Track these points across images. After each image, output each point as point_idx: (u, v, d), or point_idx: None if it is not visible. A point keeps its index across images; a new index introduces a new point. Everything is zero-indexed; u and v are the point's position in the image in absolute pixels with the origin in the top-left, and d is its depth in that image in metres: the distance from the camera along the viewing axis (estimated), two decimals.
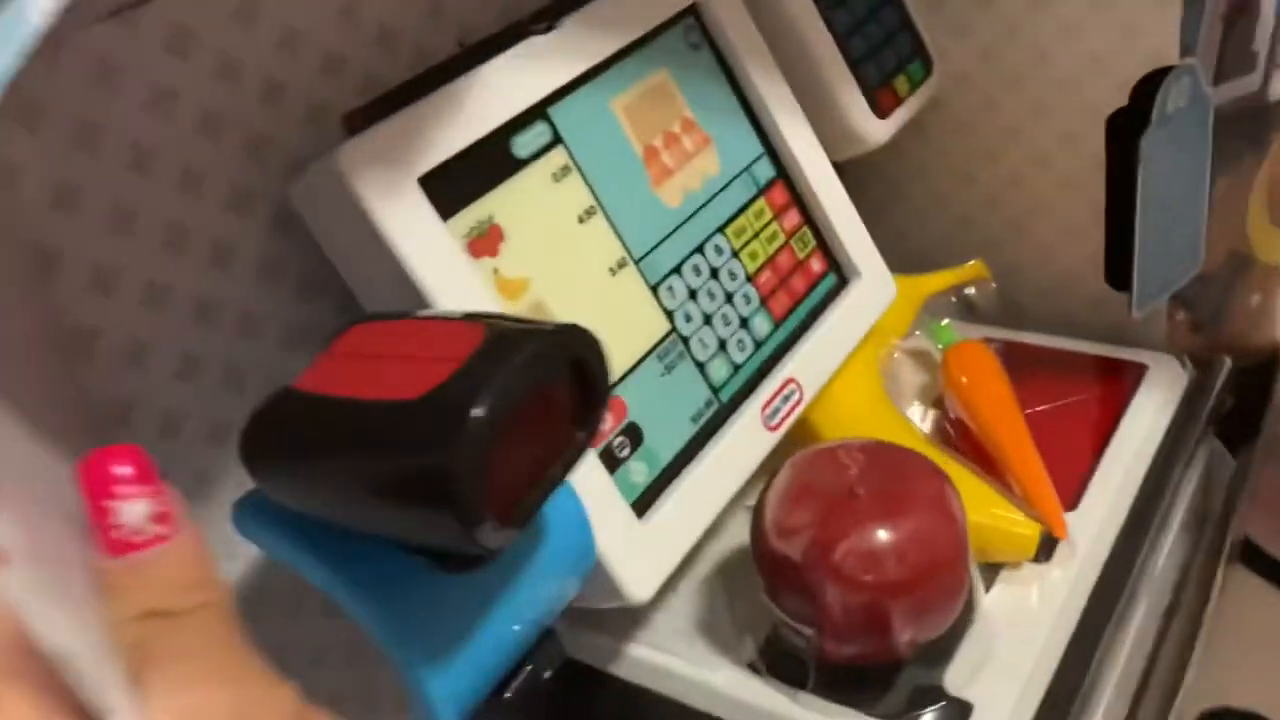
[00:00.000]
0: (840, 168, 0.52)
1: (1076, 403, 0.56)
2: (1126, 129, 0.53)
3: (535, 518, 0.34)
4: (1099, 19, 0.53)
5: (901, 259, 0.63)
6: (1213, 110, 0.54)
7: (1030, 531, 0.46)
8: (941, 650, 0.44)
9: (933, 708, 0.42)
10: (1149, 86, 0.52)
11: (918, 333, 0.60)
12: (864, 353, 0.54)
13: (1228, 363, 0.57)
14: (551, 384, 0.29)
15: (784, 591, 0.42)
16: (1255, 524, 0.72)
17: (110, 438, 0.28)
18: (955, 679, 0.43)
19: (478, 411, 0.26)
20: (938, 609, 0.42)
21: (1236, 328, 0.64)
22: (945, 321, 0.60)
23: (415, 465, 0.27)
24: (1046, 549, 0.47)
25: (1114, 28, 0.53)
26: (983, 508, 0.46)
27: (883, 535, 0.41)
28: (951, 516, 0.42)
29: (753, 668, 0.44)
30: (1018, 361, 0.59)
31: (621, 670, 0.46)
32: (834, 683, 0.43)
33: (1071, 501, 0.49)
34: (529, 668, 0.39)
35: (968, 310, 0.61)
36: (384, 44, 0.43)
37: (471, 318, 0.30)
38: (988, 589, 0.46)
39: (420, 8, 0.44)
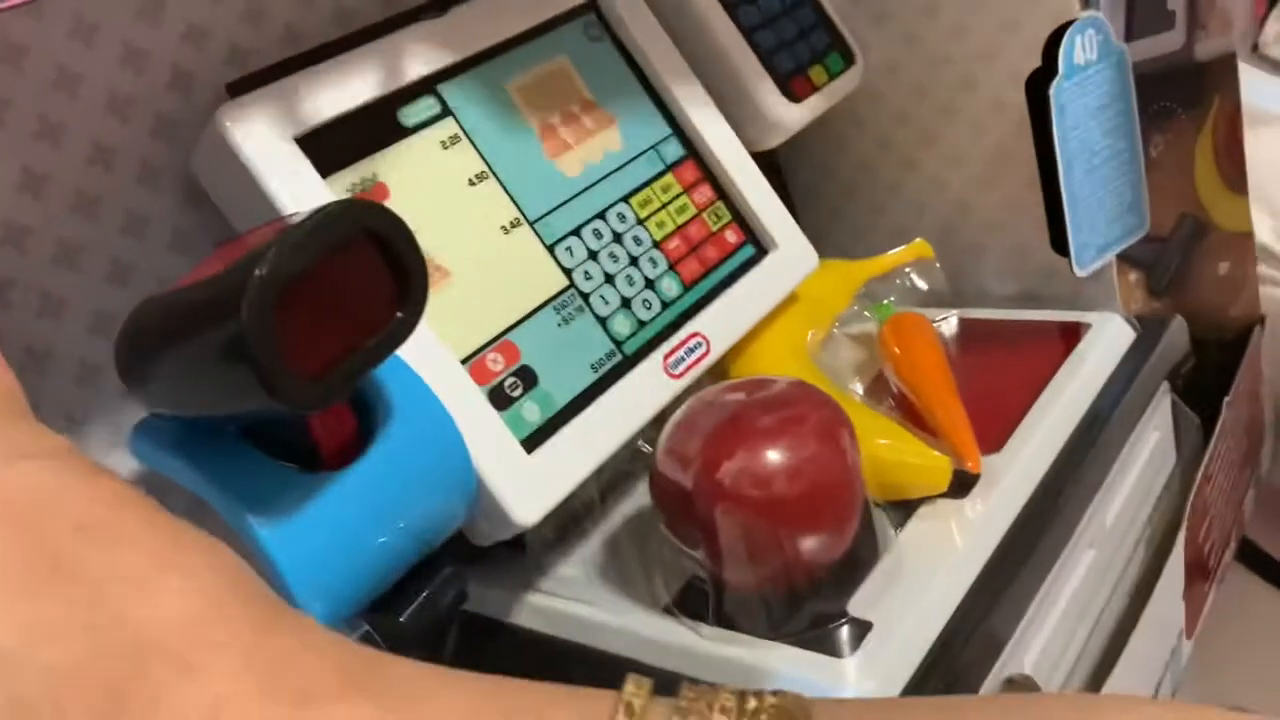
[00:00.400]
0: (791, 170, 0.55)
1: (1017, 363, 0.56)
2: (1042, 86, 0.54)
3: (396, 426, 0.37)
4: None
5: (867, 252, 0.64)
6: (1129, 63, 0.55)
7: (940, 464, 0.46)
8: (848, 579, 0.44)
9: (831, 626, 0.42)
10: (1053, 43, 0.54)
11: (865, 314, 0.61)
12: (793, 330, 0.55)
13: (1178, 320, 0.57)
14: (352, 256, 0.32)
15: (678, 520, 0.43)
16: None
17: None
18: (859, 604, 0.43)
19: (260, 270, 0.29)
20: (828, 529, 0.42)
21: (1208, 297, 0.63)
22: (888, 300, 0.60)
23: (215, 331, 0.30)
24: (961, 484, 0.47)
25: None
26: (893, 444, 0.47)
27: (766, 455, 0.41)
28: (838, 440, 0.43)
29: (668, 610, 0.45)
30: (969, 337, 0.60)
31: (534, 623, 0.47)
32: (738, 613, 0.43)
33: (996, 445, 0.49)
34: (426, 593, 0.41)
35: (917, 291, 0.62)
36: (251, 22, 0.47)
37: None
38: (904, 523, 0.46)
39: None
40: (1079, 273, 0.56)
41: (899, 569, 0.44)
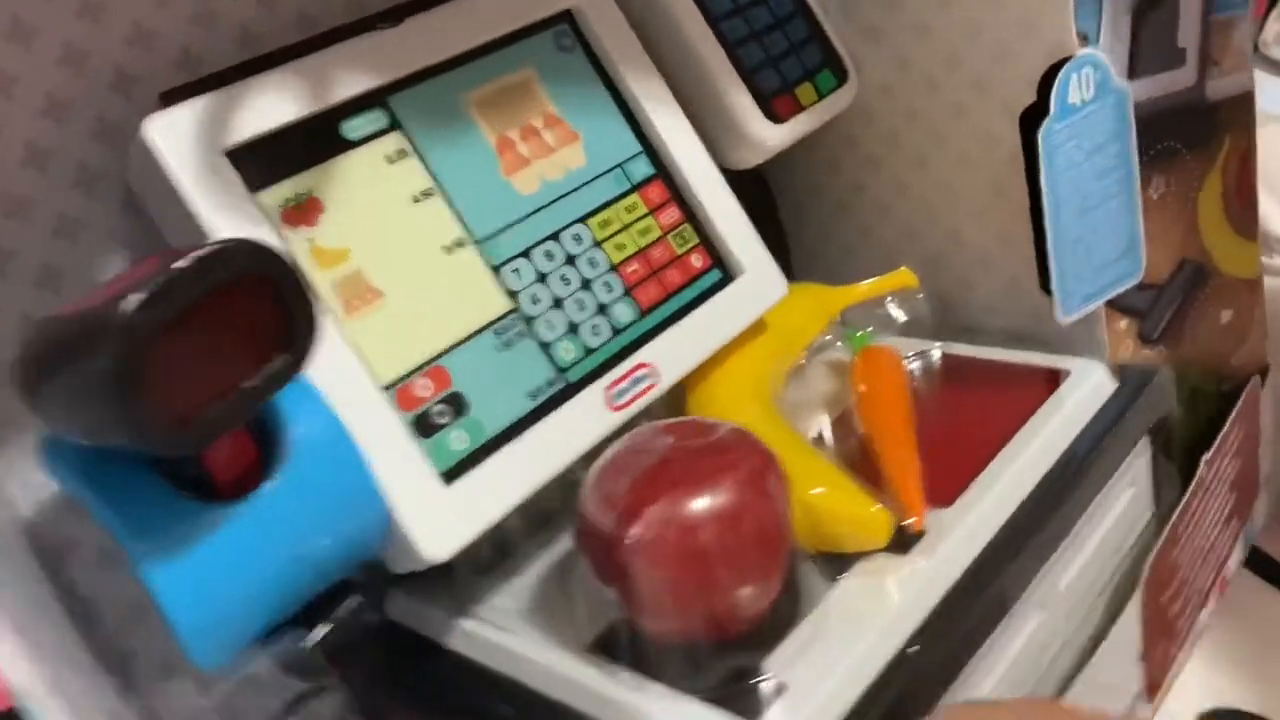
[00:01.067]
0: (781, 187, 0.53)
1: (991, 408, 0.53)
2: (1034, 125, 0.52)
3: (299, 457, 0.36)
4: (997, 16, 0.52)
5: (855, 275, 0.63)
6: (1130, 103, 0.52)
7: (879, 519, 0.44)
8: (772, 634, 0.42)
9: (746, 684, 0.41)
10: (1051, 79, 0.51)
11: (839, 344, 0.59)
12: (757, 359, 0.53)
13: (1164, 371, 0.54)
14: (239, 294, 0.31)
15: (599, 563, 0.42)
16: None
17: None
18: (778, 661, 0.41)
19: (124, 313, 0.28)
20: (750, 584, 0.41)
21: (1207, 345, 0.60)
22: (867, 330, 0.58)
23: (84, 366, 0.29)
24: (905, 540, 0.45)
25: (1014, 23, 0.52)
26: (832, 495, 0.45)
27: (690, 506, 0.40)
28: (767, 493, 0.41)
29: (591, 649, 0.44)
30: (947, 374, 0.58)
31: (462, 646, 0.46)
32: (655, 661, 0.42)
33: (950, 498, 0.47)
34: (331, 626, 0.41)
35: (898, 321, 0.60)
36: (203, 25, 0.46)
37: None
38: (839, 576, 0.45)
39: None
40: (1061, 320, 0.54)
41: (825, 627, 0.43)
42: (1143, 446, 0.54)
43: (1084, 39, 0.51)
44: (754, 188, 0.57)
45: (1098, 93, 0.51)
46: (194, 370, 0.30)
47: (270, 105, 0.41)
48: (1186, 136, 0.55)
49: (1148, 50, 0.53)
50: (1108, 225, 0.54)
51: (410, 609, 0.49)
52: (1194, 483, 0.54)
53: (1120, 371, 0.54)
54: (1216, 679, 0.60)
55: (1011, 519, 0.47)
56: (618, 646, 0.43)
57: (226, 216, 0.39)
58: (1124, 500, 0.53)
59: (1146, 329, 0.58)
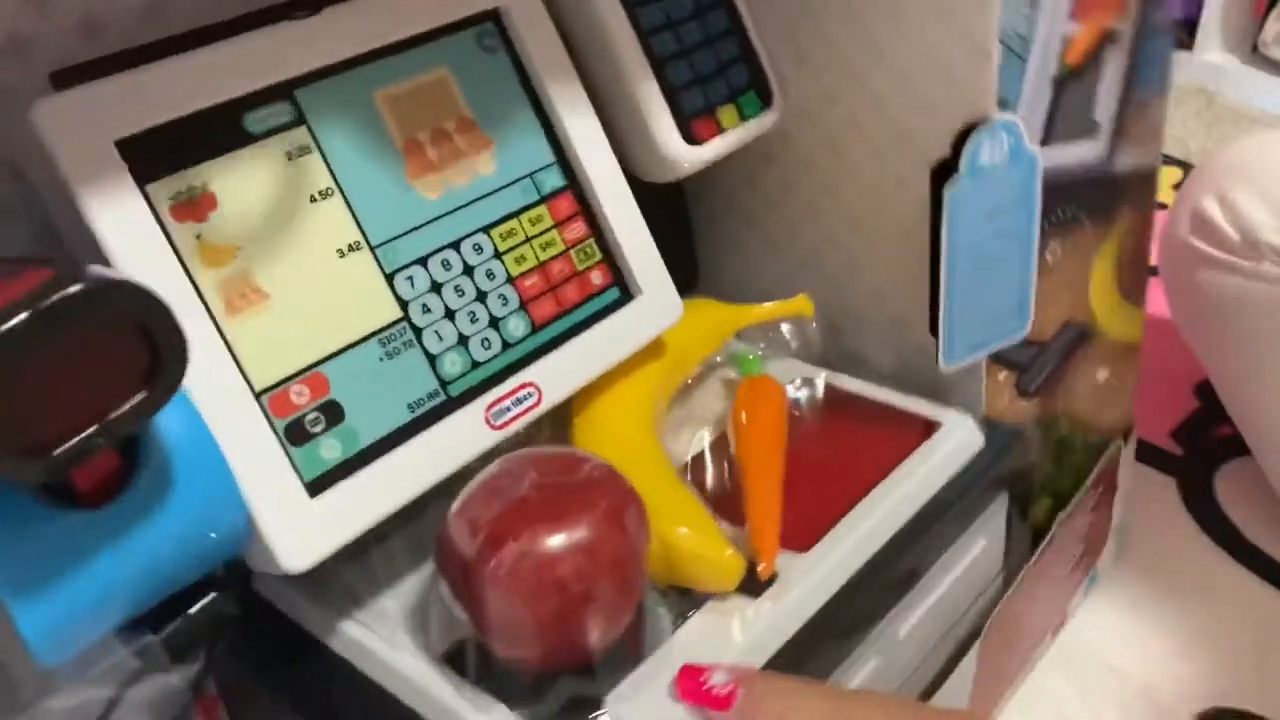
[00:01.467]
0: (695, 193, 0.52)
1: (863, 449, 0.55)
2: (943, 180, 0.53)
3: (162, 465, 0.36)
4: (927, 69, 0.53)
5: (755, 290, 0.63)
6: (1039, 169, 0.53)
7: (732, 565, 0.46)
8: (613, 667, 0.44)
9: (583, 715, 0.42)
10: (966, 137, 0.52)
11: (728, 366, 0.60)
12: (646, 375, 0.54)
13: (1030, 430, 0.56)
14: (100, 336, 0.30)
15: (455, 582, 0.43)
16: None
17: None
18: (619, 696, 0.43)
19: None
20: (597, 622, 0.42)
21: (1081, 403, 0.63)
22: (758, 353, 0.60)
23: None
24: (753, 583, 0.47)
25: (939, 79, 0.53)
26: (691, 535, 0.46)
27: (545, 543, 0.41)
28: (624, 535, 0.42)
29: (444, 659, 0.45)
30: (828, 408, 0.59)
31: (322, 634, 0.48)
32: (500, 680, 0.44)
33: (807, 542, 0.49)
34: (182, 617, 0.41)
35: (790, 346, 0.61)
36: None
37: (54, 265, 0.32)
38: (690, 614, 0.46)
39: None
40: (944, 367, 0.56)
41: (668, 664, 0.44)
42: (1000, 502, 0.56)
43: (1004, 103, 0.52)
44: (667, 189, 0.57)
45: (1010, 156, 0.52)
46: (53, 402, 0.30)
47: (170, 94, 0.40)
48: (1089, 204, 0.57)
49: (1064, 119, 0.54)
50: (1001, 283, 0.56)
51: (278, 589, 0.49)
52: (1047, 539, 0.56)
53: (989, 427, 0.56)
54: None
55: (863, 568, 0.49)
56: (466, 661, 0.45)
57: (109, 208, 0.38)
58: (974, 551, 0.56)
59: (1025, 382, 0.60)
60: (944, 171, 0.53)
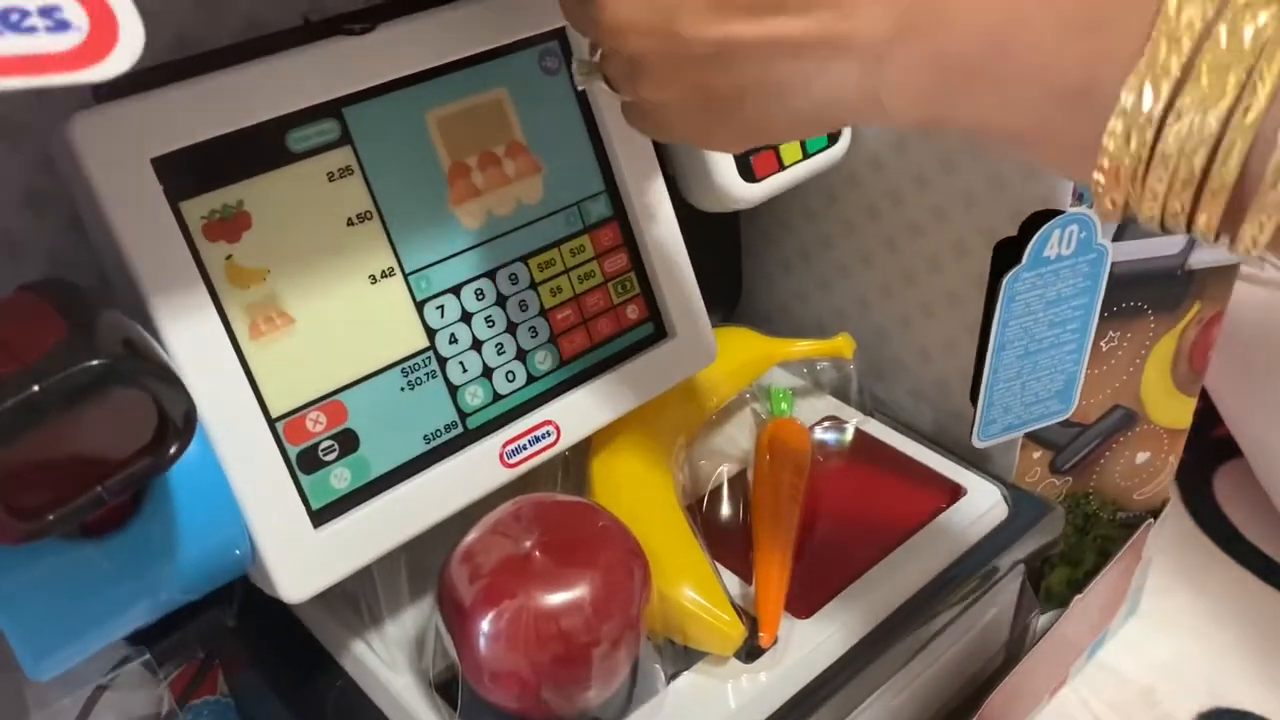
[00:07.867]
0: (753, 216, 0.49)
1: (885, 506, 0.54)
2: (1005, 260, 0.51)
3: (169, 495, 0.37)
4: None
5: (797, 322, 0.62)
6: (1108, 264, 0.51)
7: (732, 633, 0.46)
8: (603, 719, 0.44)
9: None
10: (1035, 225, 0.49)
11: (755, 406, 0.59)
12: (671, 412, 0.53)
13: (1057, 511, 0.55)
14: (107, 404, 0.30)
15: (450, 620, 0.43)
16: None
17: None
18: None
19: None
20: (587, 687, 0.42)
21: (1115, 481, 0.61)
22: (789, 391, 0.58)
23: None
24: (749, 650, 0.47)
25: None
26: (694, 598, 0.46)
27: (544, 603, 0.41)
28: (624, 604, 0.42)
29: (434, 686, 0.46)
30: (856, 456, 0.58)
31: (337, 653, 0.49)
32: (482, 717, 0.44)
33: (812, 608, 0.49)
34: (179, 634, 0.42)
35: (825, 384, 0.60)
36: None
37: (74, 318, 0.32)
38: (679, 672, 0.46)
39: None
40: (976, 444, 0.54)
41: None
42: (1015, 573, 0.55)
43: (1079, 198, 0.49)
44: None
45: (1077, 249, 0.50)
46: (50, 470, 0.30)
47: (213, 110, 0.39)
48: (1155, 299, 0.54)
49: None
50: (1050, 367, 0.54)
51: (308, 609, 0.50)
52: (1062, 618, 0.55)
53: (1016, 498, 0.55)
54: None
55: (864, 639, 0.49)
56: (458, 693, 0.45)
57: (137, 228, 0.37)
58: (984, 620, 0.55)
59: (1059, 461, 0.59)
60: (1006, 249, 0.51)
